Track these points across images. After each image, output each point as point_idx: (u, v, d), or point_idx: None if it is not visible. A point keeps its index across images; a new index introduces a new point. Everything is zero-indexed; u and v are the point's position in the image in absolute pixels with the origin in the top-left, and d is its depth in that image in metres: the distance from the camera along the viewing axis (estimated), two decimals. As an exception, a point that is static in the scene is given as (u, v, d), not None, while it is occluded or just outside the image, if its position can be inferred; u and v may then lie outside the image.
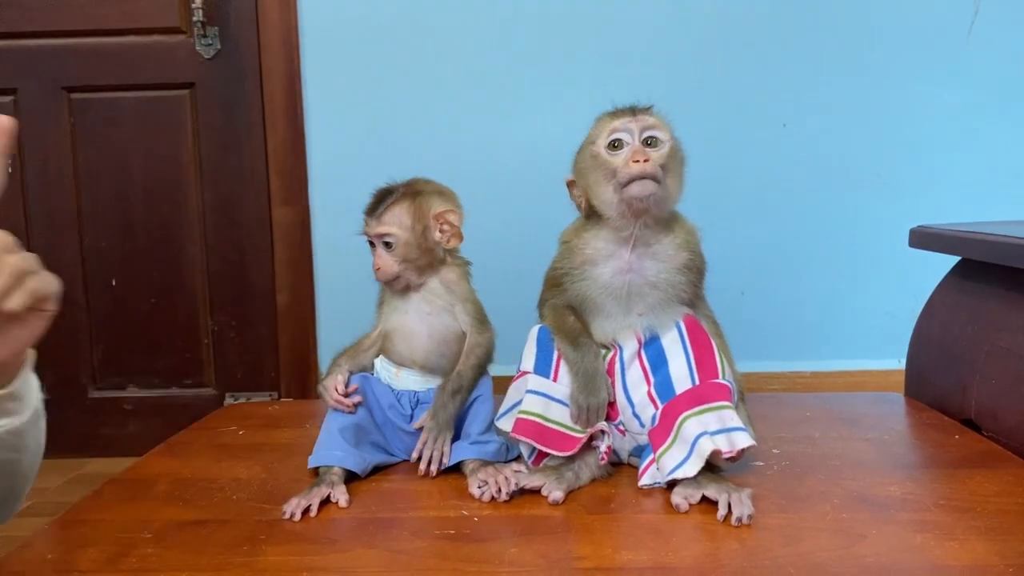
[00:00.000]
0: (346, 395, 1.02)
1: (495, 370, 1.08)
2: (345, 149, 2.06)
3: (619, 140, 0.95)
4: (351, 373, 1.05)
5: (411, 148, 2.04)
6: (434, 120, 2.04)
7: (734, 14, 2.00)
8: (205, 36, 2.04)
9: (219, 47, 2.06)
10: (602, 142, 0.96)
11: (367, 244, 1.07)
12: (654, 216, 0.96)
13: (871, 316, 2.09)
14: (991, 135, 2.03)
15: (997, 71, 2.01)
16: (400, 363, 1.05)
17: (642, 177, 0.92)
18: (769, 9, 2.00)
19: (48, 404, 2.13)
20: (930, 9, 2.00)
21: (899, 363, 1.54)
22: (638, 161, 0.92)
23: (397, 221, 1.03)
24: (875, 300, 2.08)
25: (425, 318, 1.05)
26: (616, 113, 0.97)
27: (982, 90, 2.02)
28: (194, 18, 2.01)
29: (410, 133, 2.04)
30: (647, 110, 0.98)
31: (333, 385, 1.02)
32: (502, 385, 1.05)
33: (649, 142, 0.95)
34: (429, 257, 1.05)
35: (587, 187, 0.99)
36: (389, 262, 1.03)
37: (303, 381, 2.12)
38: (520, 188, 2.00)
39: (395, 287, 1.06)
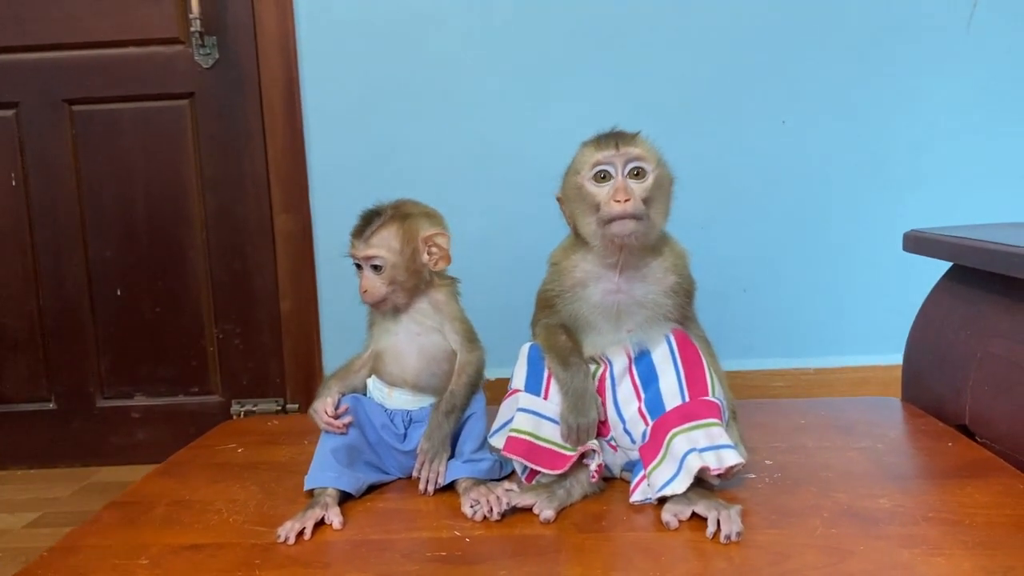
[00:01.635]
0: (336, 416, 1.03)
1: (491, 373, 1.09)
2: (344, 156, 2.07)
3: (604, 172, 0.95)
4: (342, 395, 1.06)
5: (409, 155, 2.04)
6: (431, 128, 2.04)
7: (732, 11, 1.99)
8: (203, 46, 2.05)
9: (217, 56, 2.06)
10: (586, 173, 0.96)
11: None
12: (637, 248, 0.97)
13: (874, 311, 2.08)
14: (993, 130, 2.01)
15: (997, 66, 1.99)
16: (392, 383, 1.06)
17: (623, 217, 0.92)
18: (767, 6, 1.99)
19: (56, 414, 2.17)
20: (929, 4, 1.98)
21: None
22: (620, 201, 0.92)
23: (386, 244, 1.04)
24: (877, 295, 2.08)
25: (415, 339, 1.06)
26: (600, 143, 0.96)
27: (983, 85, 2.00)
28: (192, 28, 2.02)
29: (407, 141, 2.04)
30: (633, 138, 0.96)
31: (323, 407, 1.03)
32: (496, 389, 1.07)
33: (634, 173, 0.95)
34: (416, 279, 1.05)
35: (573, 214, 0.99)
36: (377, 284, 1.04)
37: (308, 387, 2.13)
38: (519, 193, 2.01)
39: (382, 309, 1.07)
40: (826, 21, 1.99)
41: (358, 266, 1.06)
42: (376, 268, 1.04)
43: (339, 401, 1.04)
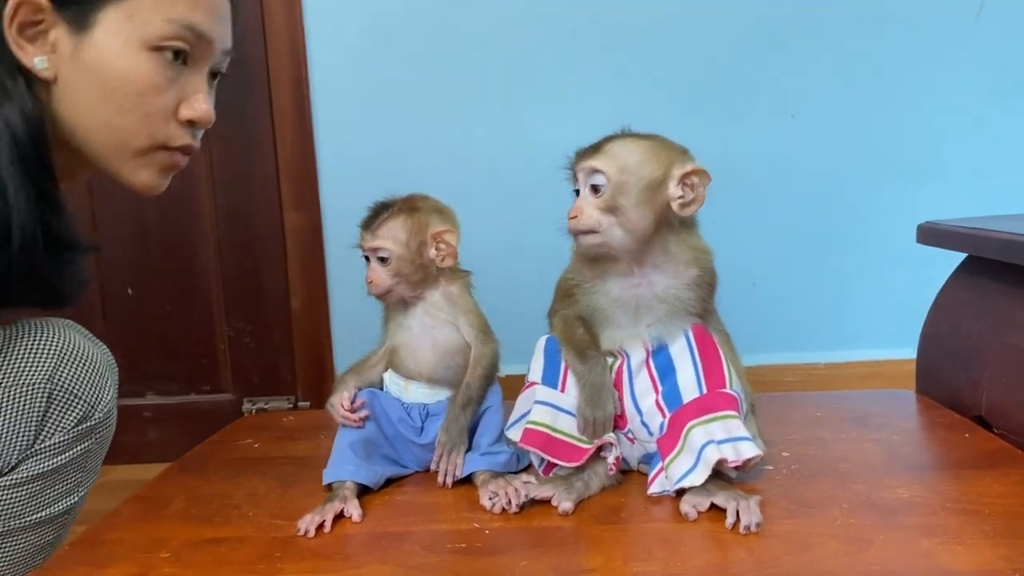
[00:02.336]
0: (353, 410, 1.03)
1: (505, 370, 1.09)
2: (354, 153, 2.07)
3: (575, 190, 0.98)
4: (358, 389, 1.06)
5: (418, 153, 2.05)
6: (441, 124, 2.04)
7: (739, 5, 1.99)
8: (212, 44, 2.05)
9: (226, 55, 2.06)
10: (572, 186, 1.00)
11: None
12: (617, 255, 0.97)
13: (885, 305, 2.08)
14: (1003, 121, 2.01)
15: (1007, 57, 1.99)
16: (408, 377, 1.06)
17: (572, 233, 0.96)
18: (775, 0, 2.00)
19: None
20: (938, -4, 1.99)
21: (914, 352, 1.53)
22: (568, 218, 0.96)
23: (392, 236, 1.04)
24: (888, 289, 2.08)
25: (429, 332, 1.06)
26: (569, 161, 0.99)
27: (992, 77, 2.00)
28: (201, 27, 2.02)
29: (417, 138, 2.05)
30: (591, 153, 0.97)
31: (339, 402, 1.04)
32: (510, 385, 1.07)
33: (594, 187, 0.96)
34: (422, 273, 1.05)
35: None
36: (382, 276, 1.04)
37: (319, 384, 2.14)
38: (528, 191, 2.00)
39: (388, 301, 1.07)
40: (834, 14, 1.99)
41: (367, 258, 1.06)
42: (383, 260, 1.04)
43: (355, 395, 1.05)
